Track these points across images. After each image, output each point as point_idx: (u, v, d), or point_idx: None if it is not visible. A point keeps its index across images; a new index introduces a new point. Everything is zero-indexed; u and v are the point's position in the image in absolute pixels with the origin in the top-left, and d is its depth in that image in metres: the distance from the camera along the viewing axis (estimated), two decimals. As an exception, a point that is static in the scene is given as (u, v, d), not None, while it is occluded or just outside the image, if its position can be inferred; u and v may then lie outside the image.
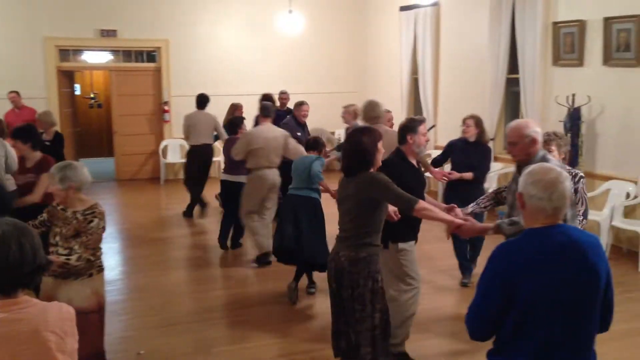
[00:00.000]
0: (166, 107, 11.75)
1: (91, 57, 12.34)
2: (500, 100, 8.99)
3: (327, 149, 6.81)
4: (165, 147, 11.85)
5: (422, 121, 4.28)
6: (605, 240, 6.88)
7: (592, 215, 7.06)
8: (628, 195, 6.91)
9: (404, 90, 11.40)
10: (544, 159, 3.43)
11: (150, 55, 11.93)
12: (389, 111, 7.00)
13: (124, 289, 6.18)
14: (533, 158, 3.49)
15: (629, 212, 6.96)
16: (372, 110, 5.66)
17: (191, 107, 9.08)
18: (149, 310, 5.57)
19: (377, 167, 3.66)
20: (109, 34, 11.32)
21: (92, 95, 15.40)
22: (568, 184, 2.27)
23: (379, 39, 12.51)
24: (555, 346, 2.20)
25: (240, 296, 5.94)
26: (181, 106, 11.26)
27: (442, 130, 10.27)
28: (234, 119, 7.73)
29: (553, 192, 2.23)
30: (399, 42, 11.38)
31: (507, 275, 2.20)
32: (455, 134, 10.11)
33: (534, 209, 2.27)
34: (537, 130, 3.60)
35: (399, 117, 11.48)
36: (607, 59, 7.15)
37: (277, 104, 9.32)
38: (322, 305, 5.41)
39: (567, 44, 7.72)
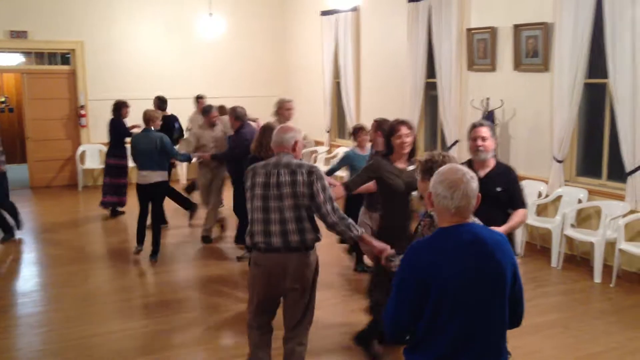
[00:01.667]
0: (82, 112, 11.34)
1: (1, 60, 11.73)
2: (419, 104, 9.24)
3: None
4: (83, 153, 11.43)
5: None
6: (519, 237, 7.19)
7: (507, 213, 7.40)
8: (540, 195, 7.26)
9: (326, 94, 11.53)
10: None
11: (64, 58, 11.47)
12: (288, 101, 7.23)
13: (40, 300, 5.92)
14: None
15: (541, 211, 7.32)
16: None
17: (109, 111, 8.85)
18: (67, 321, 5.36)
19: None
20: (20, 35, 10.81)
21: (2, 99, 14.65)
22: (474, 185, 2.36)
23: (301, 43, 12.58)
24: (465, 340, 2.29)
25: (160, 302, 5.81)
26: (98, 110, 10.90)
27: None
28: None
29: (455, 191, 2.32)
30: (321, 46, 11.49)
31: (419, 271, 2.30)
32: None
33: (440, 207, 2.38)
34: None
35: (322, 120, 11.65)
36: (517, 65, 7.50)
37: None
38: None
39: (480, 50, 8.04)
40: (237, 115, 7.04)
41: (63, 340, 5.00)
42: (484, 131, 4.28)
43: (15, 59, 11.72)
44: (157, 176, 6.92)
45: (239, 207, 6.85)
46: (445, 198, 2.33)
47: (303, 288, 3.75)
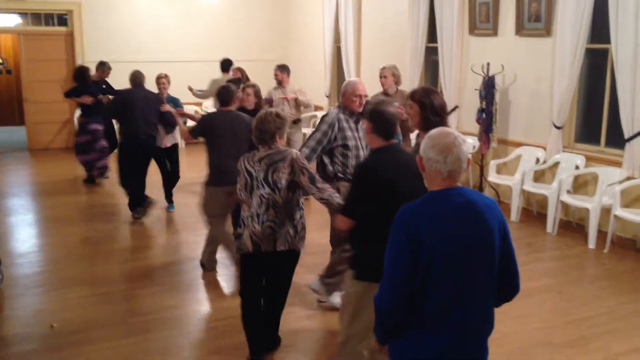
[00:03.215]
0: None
1: (-2, 20, 11.61)
2: (420, 69, 9.16)
3: None
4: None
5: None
6: (516, 203, 7.21)
7: (505, 180, 7.40)
8: (538, 161, 7.24)
9: (327, 58, 11.42)
10: None
11: (62, 19, 11.34)
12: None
13: (37, 261, 5.96)
14: None
15: (538, 177, 7.31)
16: None
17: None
18: (63, 282, 5.41)
19: None
20: (16, -5, 10.69)
21: (0, 61, 14.53)
22: (464, 148, 2.35)
23: (302, 7, 12.41)
24: (454, 303, 2.29)
25: (157, 265, 5.85)
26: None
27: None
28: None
29: (448, 155, 2.30)
30: (322, 10, 11.34)
31: (411, 235, 2.27)
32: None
33: (432, 171, 2.35)
34: None
35: (322, 85, 11.57)
36: (519, 29, 7.40)
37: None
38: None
39: (482, 14, 7.93)
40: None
41: (60, 300, 5.05)
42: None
43: (12, 20, 11.59)
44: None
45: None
46: (437, 162, 2.31)
47: None
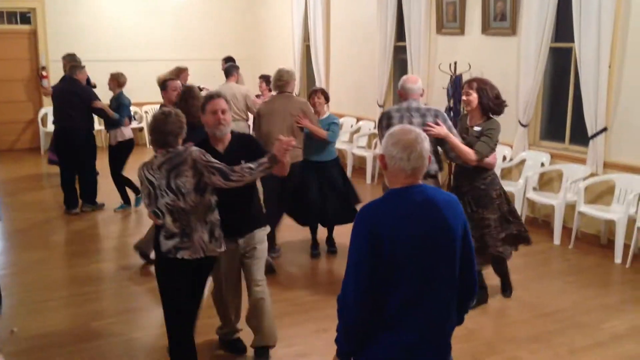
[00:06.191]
0: (44, 73, 11.00)
1: (-43, 18, 11.31)
2: (388, 68, 9.19)
3: None
4: (45, 115, 11.15)
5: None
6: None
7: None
8: (505, 158, 7.31)
9: (296, 57, 11.38)
10: None
11: (25, 17, 11.09)
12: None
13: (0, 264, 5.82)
14: None
15: (505, 174, 7.37)
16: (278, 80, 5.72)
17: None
18: (23, 287, 5.28)
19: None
20: (-23, -8, 10.43)
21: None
22: (426, 145, 2.34)
23: (270, 5, 12.35)
24: (416, 301, 2.27)
25: (119, 267, 5.75)
26: (60, 71, 10.58)
27: (334, 97, 10.35)
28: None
29: (412, 153, 2.29)
30: (291, 8, 11.30)
31: (373, 231, 2.25)
32: (347, 102, 10.29)
33: (395, 169, 2.32)
34: None
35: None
36: (486, 28, 7.47)
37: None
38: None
39: (449, 13, 7.98)
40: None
41: (21, 304, 4.93)
42: (224, 103, 3.70)
43: (-28, 18, 11.31)
44: None
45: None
46: (401, 160, 2.29)
47: None
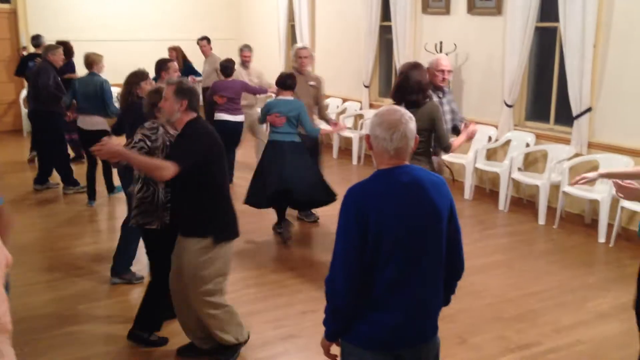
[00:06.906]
0: (25, 53, 10.81)
1: None
2: (374, 48, 9.14)
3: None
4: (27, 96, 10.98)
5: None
6: (469, 181, 7.30)
7: (458, 158, 7.46)
8: (490, 139, 7.33)
9: (281, 37, 11.28)
10: None
11: (4, -4, 10.88)
12: (302, 48, 7.03)
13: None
14: None
15: (490, 155, 7.40)
16: None
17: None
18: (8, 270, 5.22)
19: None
20: (-48, -30, 10.18)
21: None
22: (411, 126, 2.32)
23: (255, -16, 12.21)
24: (403, 281, 2.28)
25: (104, 250, 5.71)
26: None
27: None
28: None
29: (394, 133, 2.28)
30: (275, -13, 11.18)
31: (359, 213, 2.24)
32: (333, 82, 10.22)
33: (379, 149, 2.32)
34: None
35: (277, 64, 11.43)
36: (471, 8, 7.43)
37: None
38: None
39: (435, -8, 7.93)
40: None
41: (5, 287, 4.88)
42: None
43: (-51, -3, 11.06)
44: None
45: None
46: (384, 140, 2.28)
47: None
